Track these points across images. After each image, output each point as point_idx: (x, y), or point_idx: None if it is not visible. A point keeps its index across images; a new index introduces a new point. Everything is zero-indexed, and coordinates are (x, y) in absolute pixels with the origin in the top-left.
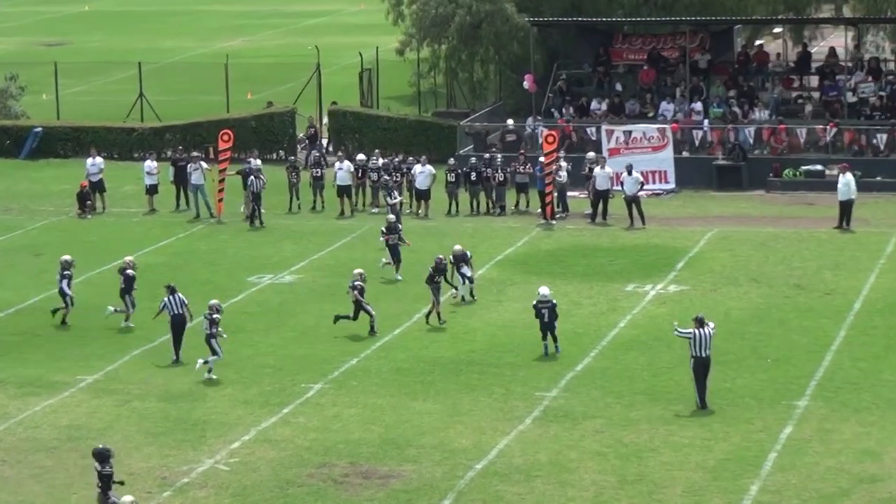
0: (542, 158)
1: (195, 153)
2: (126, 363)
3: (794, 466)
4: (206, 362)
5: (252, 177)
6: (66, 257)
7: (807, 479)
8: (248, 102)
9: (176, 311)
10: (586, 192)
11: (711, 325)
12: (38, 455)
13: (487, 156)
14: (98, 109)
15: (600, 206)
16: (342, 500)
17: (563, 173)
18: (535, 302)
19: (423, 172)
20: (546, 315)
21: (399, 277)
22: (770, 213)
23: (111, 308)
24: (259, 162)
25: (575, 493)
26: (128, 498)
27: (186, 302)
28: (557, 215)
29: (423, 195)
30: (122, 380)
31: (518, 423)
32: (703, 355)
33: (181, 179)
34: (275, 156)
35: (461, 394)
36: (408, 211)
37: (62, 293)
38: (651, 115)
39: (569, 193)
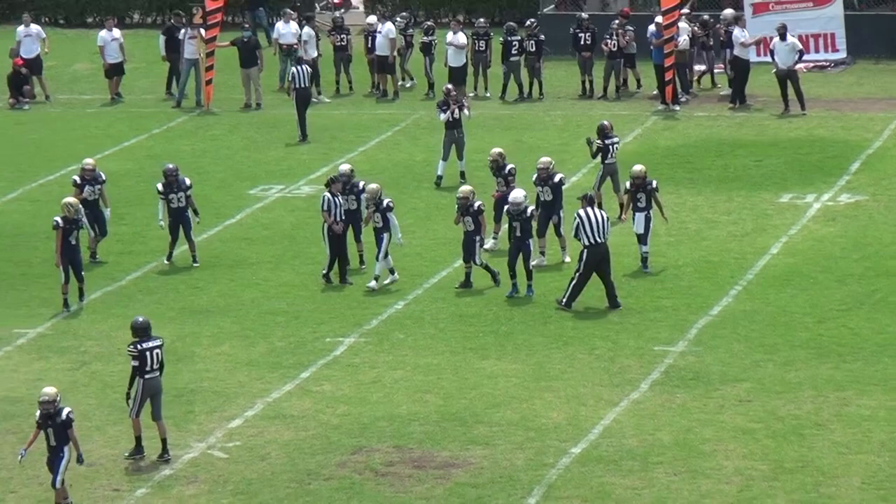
0: (658, 18)
1: (180, 13)
2: (82, 310)
3: None
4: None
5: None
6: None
7: None
8: None
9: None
10: (722, 66)
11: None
12: None
13: (585, 16)
14: None
15: (739, 83)
16: (385, 498)
17: (685, 37)
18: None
19: (451, 44)
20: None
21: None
22: None
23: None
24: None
25: (711, 485)
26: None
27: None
28: (681, 98)
29: (456, 75)
30: (78, 333)
31: (631, 389)
32: (598, 241)
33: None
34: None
35: (550, 349)
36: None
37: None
38: None
39: (695, 67)
